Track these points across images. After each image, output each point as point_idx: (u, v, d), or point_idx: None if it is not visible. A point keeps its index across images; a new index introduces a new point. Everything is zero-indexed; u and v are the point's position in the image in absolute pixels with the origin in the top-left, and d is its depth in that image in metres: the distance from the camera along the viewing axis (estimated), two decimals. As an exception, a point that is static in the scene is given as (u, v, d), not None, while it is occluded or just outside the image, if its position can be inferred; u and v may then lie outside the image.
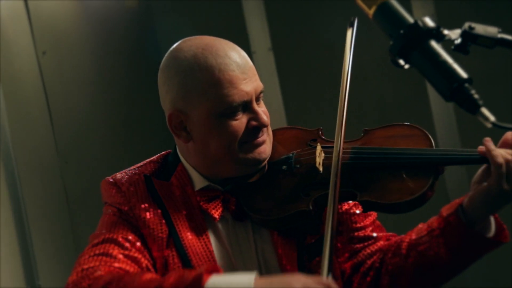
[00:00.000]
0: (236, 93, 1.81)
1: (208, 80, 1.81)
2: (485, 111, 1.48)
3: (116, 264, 1.75)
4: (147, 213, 1.84)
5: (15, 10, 3.47)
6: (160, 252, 1.81)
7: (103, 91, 3.92)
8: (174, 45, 1.89)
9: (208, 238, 1.84)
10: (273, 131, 1.94)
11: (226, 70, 1.81)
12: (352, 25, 1.87)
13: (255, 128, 1.85)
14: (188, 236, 1.83)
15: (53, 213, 3.47)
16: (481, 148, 1.75)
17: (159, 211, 1.85)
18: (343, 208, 1.93)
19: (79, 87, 3.77)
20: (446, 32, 1.55)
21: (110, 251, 1.78)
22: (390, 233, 1.96)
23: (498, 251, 1.83)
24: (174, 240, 1.83)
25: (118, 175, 1.91)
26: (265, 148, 1.87)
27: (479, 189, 1.75)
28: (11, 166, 3.31)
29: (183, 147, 1.91)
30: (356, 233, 1.92)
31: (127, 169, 1.93)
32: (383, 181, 1.81)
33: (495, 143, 1.77)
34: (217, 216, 1.85)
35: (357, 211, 1.93)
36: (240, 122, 1.84)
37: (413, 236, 1.85)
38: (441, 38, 1.54)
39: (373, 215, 1.96)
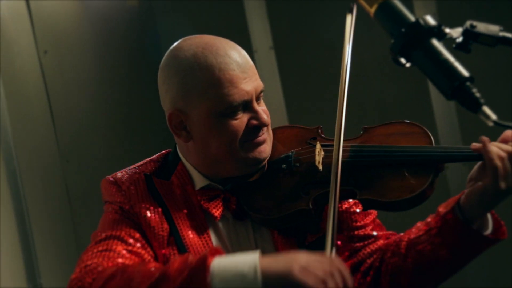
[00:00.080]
0: (236, 93, 1.81)
1: (208, 80, 1.81)
2: (486, 109, 1.47)
3: (120, 260, 1.76)
4: (148, 212, 1.84)
5: (16, 9, 3.48)
6: (161, 250, 1.82)
7: (104, 90, 3.92)
8: (174, 44, 1.88)
9: (209, 236, 1.84)
10: (272, 129, 1.93)
11: (226, 70, 1.81)
12: (351, 12, 1.85)
13: (255, 127, 1.85)
14: (189, 235, 1.83)
15: (54, 212, 3.48)
16: (474, 145, 1.74)
17: (160, 209, 1.85)
18: (343, 207, 1.92)
19: (80, 86, 3.77)
20: (447, 30, 1.55)
21: (114, 247, 1.78)
22: (390, 232, 1.95)
23: (498, 251, 1.83)
24: (175, 238, 1.83)
25: (118, 174, 1.91)
26: (265, 147, 1.87)
27: (475, 188, 1.74)
28: (13, 165, 3.31)
29: (183, 147, 1.91)
30: (356, 232, 1.92)
31: (127, 168, 1.93)
32: (383, 179, 1.81)
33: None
34: (217, 216, 1.85)
35: (357, 210, 1.93)
36: (240, 121, 1.84)
37: (412, 235, 1.85)
38: (442, 37, 1.54)
39: (373, 213, 1.96)
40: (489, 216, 1.79)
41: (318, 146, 1.89)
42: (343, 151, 1.81)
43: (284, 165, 1.89)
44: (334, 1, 3.95)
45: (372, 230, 1.93)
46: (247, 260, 1.62)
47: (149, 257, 1.80)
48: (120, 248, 1.78)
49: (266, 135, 1.88)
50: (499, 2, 3.76)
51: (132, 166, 1.93)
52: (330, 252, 1.64)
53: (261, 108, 1.86)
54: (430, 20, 1.53)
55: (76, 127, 3.67)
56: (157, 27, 4.29)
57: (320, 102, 3.92)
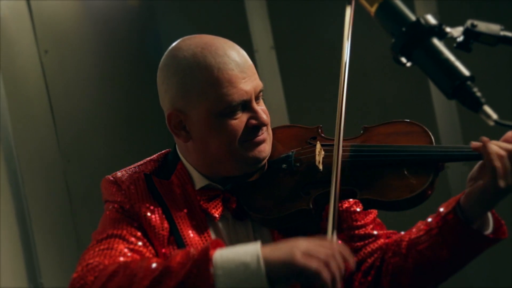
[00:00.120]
0: (235, 92, 1.81)
1: (207, 80, 1.81)
2: (487, 109, 1.47)
3: (121, 258, 1.75)
4: (148, 211, 1.84)
5: (17, 9, 3.48)
6: (162, 249, 1.81)
7: (105, 90, 3.92)
8: (173, 44, 1.88)
9: (209, 236, 1.84)
10: (272, 129, 1.93)
11: (225, 69, 1.81)
12: (350, 3, 1.84)
13: (254, 127, 1.85)
14: (190, 234, 1.83)
15: (55, 212, 3.48)
16: (473, 143, 1.74)
17: (160, 209, 1.85)
18: (344, 206, 1.92)
19: (81, 86, 3.77)
20: (448, 29, 1.55)
21: (115, 245, 1.78)
22: (391, 231, 1.95)
23: (498, 251, 1.83)
24: (176, 238, 1.83)
25: (119, 173, 1.91)
26: (265, 146, 1.87)
27: (475, 187, 1.74)
28: (14, 165, 3.31)
29: (182, 146, 1.91)
30: (356, 231, 1.92)
31: (127, 168, 1.93)
32: (383, 179, 1.80)
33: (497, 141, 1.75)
34: (217, 216, 1.85)
35: (358, 209, 1.92)
36: (240, 121, 1.83)
37: (412, 235, 1.85)
38: (443, 36, 1.54)
39: (374, 213, 1.95)
40: (489, 215, 1.79)
41: (318, 145, 1.88)
42: (343, 150, 1.80)
43: (284, 165, 1.89)
44: (334, 1, 3.95)
45: (373, 229, 1.93)
46: (249, 250, 1.62)
47: (151, 255, 1.80)
48: (122, 247, 1.78)
49: (266, 135, 1.87)
50: (499, 1, 3.76)
51: (132, 166, 1.93)
52: (331, 234, 1.65)
53: (261, 108, 1.86)
54: (431, 20, 1.53)
55: (76, 127, 3.67)
56: (157, 27, 4.30)
57: (321, 101, 3.91)
